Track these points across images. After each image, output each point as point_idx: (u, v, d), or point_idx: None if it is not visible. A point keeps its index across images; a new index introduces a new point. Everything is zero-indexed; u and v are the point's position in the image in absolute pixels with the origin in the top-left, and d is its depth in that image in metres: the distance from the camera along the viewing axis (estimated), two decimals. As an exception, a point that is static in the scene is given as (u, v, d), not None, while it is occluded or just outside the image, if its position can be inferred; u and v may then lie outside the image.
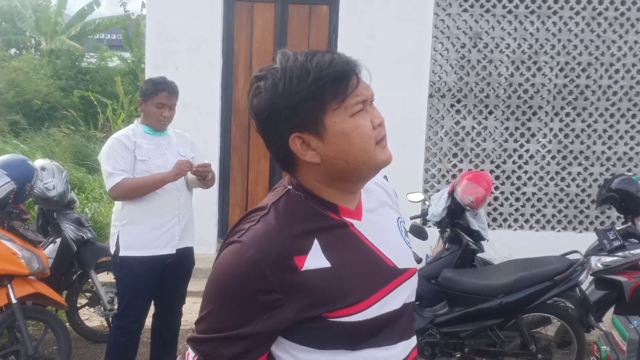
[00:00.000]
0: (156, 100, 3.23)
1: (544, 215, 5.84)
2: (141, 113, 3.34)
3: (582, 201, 5.83)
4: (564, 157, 5.81)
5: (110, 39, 20.98)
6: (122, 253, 3.24)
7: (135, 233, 3.23)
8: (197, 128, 5.05)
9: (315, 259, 1.10)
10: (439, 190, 4.82)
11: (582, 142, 5.79)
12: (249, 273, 1.08)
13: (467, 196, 3.89)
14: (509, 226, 5.86)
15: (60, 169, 4.13)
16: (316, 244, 1.11)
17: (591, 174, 5.81)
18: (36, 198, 4.01)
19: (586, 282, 3.85)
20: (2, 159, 3.72)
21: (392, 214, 1.31)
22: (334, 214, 1.17)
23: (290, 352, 1.14)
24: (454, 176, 5.63)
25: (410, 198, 4.25)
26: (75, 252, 4.07)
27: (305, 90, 1.07)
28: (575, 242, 4.25)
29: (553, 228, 5.85)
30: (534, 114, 5.77)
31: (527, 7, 5.65)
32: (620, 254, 3.96)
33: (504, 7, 5.66)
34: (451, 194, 4.01)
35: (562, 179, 5.82)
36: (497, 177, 5.78)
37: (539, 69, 5.73)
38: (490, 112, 5.78)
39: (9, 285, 3.41)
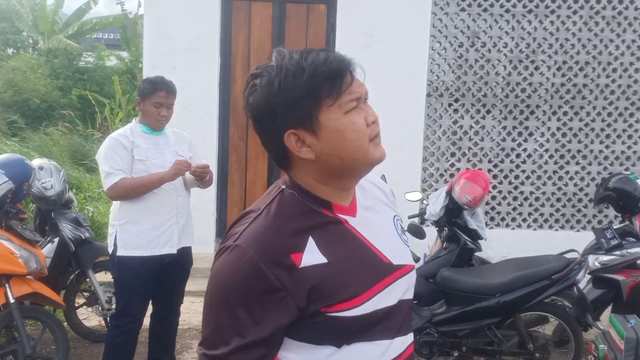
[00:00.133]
0: (154, 99, 3.23)
1: (541, 214, 5.84)
2: (139, 112, 3.34)
3: (579, 200, 5.84)
4: (562, 156, 5.81)
5: (108, 38, 20.93)
6: (119, 253, 3.24)
7: (133, 233, 3.23)
8: (195, 127, 5.04)
9: (312, 256, 1.11)
10: (437, 190, 4.82)
11: (579, 141, 5.80)
12: (250, 275, 1.08)
13: (465, 195, 3.89)
14: (507, 225, 5.86)
15: (58, 169, 4.12)
16: (311, 241, 1.12)
17: (589, 173, 5.82)
18: (34, 197, 4.01)
19: (584, 281, 3.85)
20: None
21: (388, 212, 1.32)
22: (327, 211, 1.18)
23: (288, 348, 1.15)
24: (451, 175, 5.63)
25: (408, 197, 4.26)
26: (73, 252, 4.06)
27: (300, 88, 1.09)
28: (573, 241, 4.26)
29: (551, 227, 5.85)
30: (532, 113, 5.78)
31: (524, 6, 5.66)
32: (617, 252, 3.96)
33: (502, 6, 5.66)
34: (449, 193, 4.02)
35: (560, 178, 5.83)
36: (494, 176, 5.79)
37: (536, 68, 5.73)
38: (488, 111, 5.78)
39: (6, 285, 3.41)
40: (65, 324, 4.05)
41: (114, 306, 3.83)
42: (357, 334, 1.15)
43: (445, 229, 4.03)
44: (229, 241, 1.14)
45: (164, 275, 3.34)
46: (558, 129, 5.79)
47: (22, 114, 11.46)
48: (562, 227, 5.85)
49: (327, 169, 1.15)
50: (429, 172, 5.83)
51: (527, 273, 3.63)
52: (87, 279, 4.20)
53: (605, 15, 5.67)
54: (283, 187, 1.20)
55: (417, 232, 3.93)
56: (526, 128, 5.79)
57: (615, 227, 4.11)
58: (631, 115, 5.78)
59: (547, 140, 5.79)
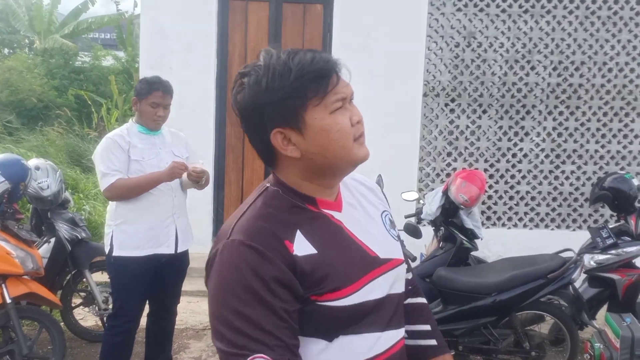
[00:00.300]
0: (150, 99, 3.23)
1: (537, 214, 5.86)
2: (135, 112, 3.33)
3: (575, 199, 5.86)
4: (558, 156, 5.83)
5: (104, 38, 20.91)
6: (116, 253, 3.23)
7: (130, 233, 3.23)
8: (191, 127, 5.04)
9: (302, 246, 1.13)
10: (433, 189, 4.83)
11: (575, 141, 5.82)
12: (256, 261, 1.09)
13: (461, 195, 3.90)
14: (503, 225, 5.88)
15: (55, 169, 4.11)
16: (299, 233, 1.14)
17: (584, 173, 5.84)
18: (30, 197, 4.00)
19: (579, 280, 3.87)
20: (-4, 158, 3.71)
21: (376, 208, 1.34)
22: (312, 206, 1.20)
23: None
24: (448, 175, 5.65)
25: (404, 197, 4.26)
26: (69, 252, 4.06)
27: (287, 87, 1.11)
28: (569, 240, 4.28)
29: (547, 226, 5.87)
30: (528, 112, 5.80)
31: (520, 7, 5.67)
32: (613, 251, 3.98)
33: (498, 6, 5.67)
34: (445, 192, 4.02)
35: (556, 178, 5.84)
36: (491, 176, 5.80)
37: (532, 68, 5.75)
38: (484, 111, 5.79)
39: (3, 285, 3.41)
40: (62, 324, 4.05)
41: (110, 306, 3.83)
42: (347, 326, 1.16)
43: (442, 228, 4.04)
44: (222, 240, 1.14)
45: (160, 276, 3.34)
46: (554, 128, 5.80)
47: (19, 114, 11.43)
48: (558, 227, 5.86)
49: (312, 167, 1.17)
50: (426, 171, 5.84)
51: (523, 272, 3.64)
52: (84, 279, 4.20)
53: (600, 16, 5.69)
54: (268, 185, 1.23)
55: (413, 231, 3.94)
56: (522, 128, 5.81)
57: (610, 226, 4.13)
58: (626, 115, 5.80)
59: (543, 140, 5.81)
